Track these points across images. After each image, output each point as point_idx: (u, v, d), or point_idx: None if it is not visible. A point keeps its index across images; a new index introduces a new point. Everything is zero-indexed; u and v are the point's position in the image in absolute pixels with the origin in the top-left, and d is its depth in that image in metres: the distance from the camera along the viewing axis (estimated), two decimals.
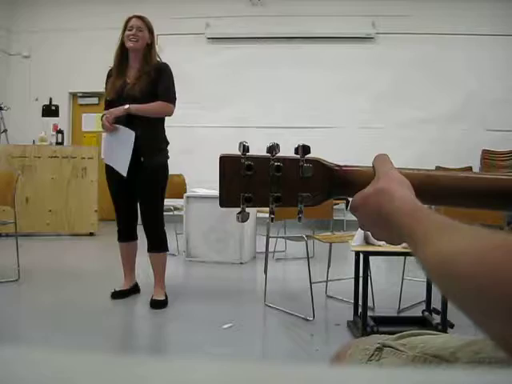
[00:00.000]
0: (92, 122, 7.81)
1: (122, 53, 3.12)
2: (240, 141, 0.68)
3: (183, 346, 2.59)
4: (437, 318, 2.68)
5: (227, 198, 0.68)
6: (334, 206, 4.04)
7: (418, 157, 6.81)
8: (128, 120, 3.04)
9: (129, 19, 3.13)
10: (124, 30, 3.10)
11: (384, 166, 0.65)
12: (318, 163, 0.68)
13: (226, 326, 2.79)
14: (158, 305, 3.14)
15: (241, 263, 4.60)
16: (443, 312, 2.59)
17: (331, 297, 3.45)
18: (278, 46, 7.43)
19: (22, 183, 4.86)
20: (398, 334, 0.77)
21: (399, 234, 0.56)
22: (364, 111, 7.27)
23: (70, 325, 2.81)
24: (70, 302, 3.21)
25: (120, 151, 3.07)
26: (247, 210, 0.69)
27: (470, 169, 6.68)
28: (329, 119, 7.35)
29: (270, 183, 0.68)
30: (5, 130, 6.76)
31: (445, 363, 0.65)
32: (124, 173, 3.05)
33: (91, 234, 6.02)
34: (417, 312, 3.00)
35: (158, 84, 3.07)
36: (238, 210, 0.69)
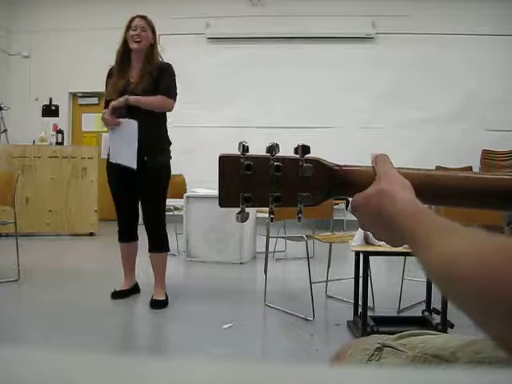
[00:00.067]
0: (92, 121, 7.81)
1: (124, 52, 3.11)
2: (240, 141, 0.68)
3: (183, 346, 2.59)
4: (437, 318, 2.68)
5: (227, 197, 0.68)
6: (334, 206, 4.04)
7: (418, 157, 6.81)
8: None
9: (132, 19, 3.12)
10: (127, 30, 3.10)
11: (384, 166, 0.66)
12: (317, 163, 0.68)
13: (225, 326, 2.79)
14: (158, 305, 3.14)
15: (241, 263, 4.60)
16: (443, 312, 2.59)
17: (331, 297, 3.44)
18: (277, 45, 7.43)
19: (22, 183, 4.86)
20: (398, 334, 0.77)
21: (401, 236, 0.56)
22: (364, 111, 7.27)
23: (70, 325, 2.80)
24: (69, 302, 3.21)
25: (125, 144, 3.04)
26: (247, 209, 0.69)
27: (470, 169, 6.68)
28: (328, 119, 7.35)
29: (269, 183, 0.67)
30: (5, 130, 6.76)
31: (445, 363, 0.65)
32: (133, 165, 3.03)
33: (91, 234, 6.02)
34: (417, 312, 3.00)
35: (160, 81, 3.07)
36: (238, 210, 0.69)
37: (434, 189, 0.67)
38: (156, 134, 3.12)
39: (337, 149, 6.60)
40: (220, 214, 4.38)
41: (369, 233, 2.45)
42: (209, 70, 7.43)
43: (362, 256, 2.67)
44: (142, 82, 3.04)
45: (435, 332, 0.79)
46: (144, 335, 2.91)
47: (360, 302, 2.71)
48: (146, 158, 3.06)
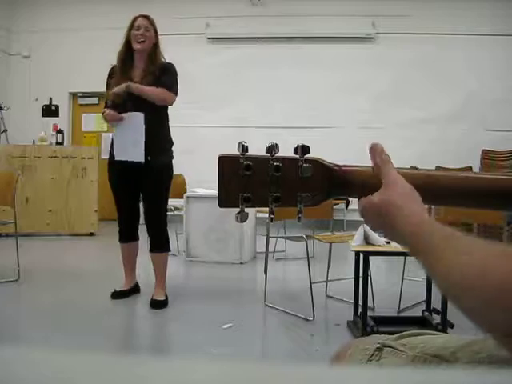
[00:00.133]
0: (92, 121, 7.81)
1: (127, 52, 3.10)
2: (239, 141, 0.68)
3: (183, 346, 2.59)
4: (437, 318, 2.68)
5: (226, 198, 0.68)
6: (334, 206, 4.04)
7: (418, 157, 6.80)
8: None
9: (135, 19, 3.11)
10: (130, 30, 3.09)
11: (388, 169, 0.65)
12: (317, 163, 0.68)
13: (226, 326, 2.79)
14: (158, 305, 3.14)
15: (241, 263, 4.60)
16: (443, 312, 2.59)
17: (331, 297, 3.44)
18: (277, 45, 7.43)
19: (22, 183, 4.86)
20: (398, 334, 0.77)
21: (405, 243, 0.57)
22: (364, 111, 7.27)
23: (70, 325, 2.80)
24: (70, 302, 3.21)
25: (131, 138, 3.02)
26: (246, 210, 0.69)
27: (470, 169, 6.68)
28: (328, 119, 7.35)
29: (269, 183, 0.67)
30: (5, 130, 6.76)
31: (445, 363, 0.65)
32: (141, 159, 3.02)
33: (91, 234, 6.02)
34: (417, 312, 3.00)
35: (162, 78, 3.06)
36: (238, 210, 0.69)
37: (434, 189, 0.67)
38: (159, 134, 3.11)
39: (337, 149, 6.59)
40: (220, 214, 4.38)
41: (369, 233, 2.43)
42: (209, 69, 7.43)
43: (362, 256, 2.67)
44: (145, 81, 3.03)
45: (435, 332, 0.79)
46: (144, 335, 2.91)
47: (360, 302, 2.71)
48: (149, 158, 3.05)
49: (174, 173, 3.29)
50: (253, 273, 4.50)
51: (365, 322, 2.58)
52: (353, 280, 2.91)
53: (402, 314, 3.11)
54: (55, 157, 5.94)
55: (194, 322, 2.93)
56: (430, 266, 0.51)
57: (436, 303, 2.73)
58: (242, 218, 0.69)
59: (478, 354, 0.62)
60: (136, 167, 3.06)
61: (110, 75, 3.18)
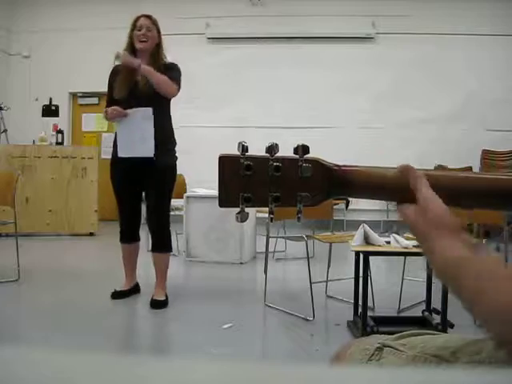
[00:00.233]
0: (92, 121, 7.81)
1: (131, 52, 3.09)
2: (239, 141, 0.68)
3: (183, 346, 2.59)
4: (437, 318, 2.68)
5: (226, 198, 0.69)
6: (334, 206, 4.04)
7: (418, 157, 6.79)
8: None
9: (137, 18, 3.10)
10: (132, 30, 3.09)
11: (418, 184, 0.65)
12: (317, 163, 0.68)
13: (226, 326, 2.79)
14: (158, 305, 3.13)
15: (241, 263, 4.60)
16: (443, 312, 2.59)
17: (331, 297, 3.44)
18: (277, 45, 7.43)
19: (22, 183, 4.86)
20: (398, 334, 0.77)
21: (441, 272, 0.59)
22: (364, 111, 7.27)
23: (70, 325, 2.80)
24: (70, 302, 3.21)
25: (139, 134, 3.01)
26: (246, 210, 0.69)
27: (470, 169, 6.68)
28: (328, 119, 7.35)
29: (269, 183, 0.68)
30: (5, 130, 6.76)
31: (445, 363, 0.65)
32: (150, 153, 3.01)
33: (91, 234, 6.02)
34: (417, 312, 3.00)
35: (166, 74, 3.05)
36: (238, 210, 0.69)
37: (434, 189, 0.67)
38: (162, 134, 3.10)
39: (337, 149, 6.60)
40: (220, 214, 4.38)
41: (369, 233, 2.42)
42: (209, 69, 7.43)
43: (362, 256, 2.67)
44: (151, 83, 3.02)
45: (435, 332, 0.79)
46: (144, 335, 2.91)
47: (360, 302, 2.71)
48: (154, 158, 3.05)
49: None
50: (253, 273, 4.50)
51: (365, 322, 2.58)
52: (353, 280, 2.91)
53: (402, 314, 3.11)
54: (55, 157, 5.94)
55: (193, 322, 2.93)
56: (471, 301, 0.53)
57: (436, 303, 2.73)
58: (243, 217, 0.69)
59: (478, 354, 0.62)
60: (140, 166, 3.06)
61: (113, 74, 3.18)
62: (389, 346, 0.74)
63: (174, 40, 7.41)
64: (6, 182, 3.77)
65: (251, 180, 0.67)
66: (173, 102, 3.19)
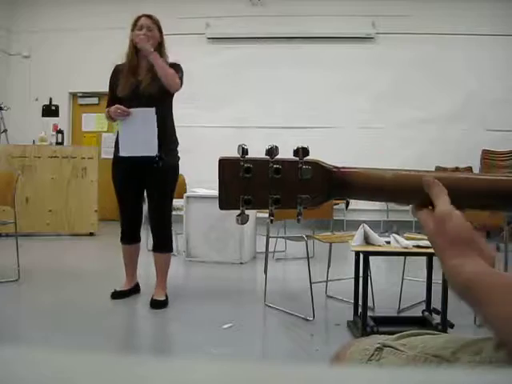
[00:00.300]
0: (92, 121, 7.81)
1: (133, 52, 3.09)
2: (239, 142, 0.68)
3: (183, 345, 2.59)
4: (437, 318, 2.68)
5: (227, 200, 0.69)
6: (334, 206, 4.04)
7: (418, 157, 6.82)
8: None
9: (138, 18, 3.10)
10: (133, 30, 3.08)
11: (436, 196, 0.65)
12: (316, 165, 0.68)
13: (226, 326, 2.79)
14: (158, 305, 3.13)
15: (241, 263, 4.60)
16: (443, 312, 2.59)
17: (331, 297, 3.44)
18: (278, 45, 7.43)
19: (22, 183, 4.86)
20: (398, 334, 0.77)
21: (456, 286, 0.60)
22: (364, 111, 7.27)
23: (70, 325, 2.80)
24: (70, 302, 3.21)
25: (143, 134, 3.01)
26: (246, 212, 0.69)
27: (470, 169, 6.68)
28: (328, 119, 7.35)
29: (269, 185, 0.68)
30: (5, 130, 6.76)
31: (445, 363, 0.65)
32: (154, 152, 3.01)
33: (91, 234, 6.02)
34: (417, 312, 3.00)
35: None
36: (238, 212, 0.69)
37: None
38: (165, 134, 3.10)
39: (337, 149, 6.61)
40: (220, 214, 4.38)
41: (369, 233, 2.42)
42: (209, 69, 7.43)
43: (362, 256, 2.67)
44: (156, 80, 3.02)
45: (435, 332, 0.79)
46: (144, 335, 2.92)
47: (360, 302, 2.71)
48: (156, 157, 3.05)
49: None
50: (253, 273, 4.50)
51: (365, 322, 2.58)
52: (353, 280, 2.91)
53: (402, 314, 3.11)
54: (55, 157, 5.94)
55: (194, 321, 2.93)
56: (484, 311, 0.55)
57: (436, 303, 2.73)
58: (243, 220, 0.70)
59: (478, 354, 0.62)
60: (142, 166, 3.05)
61: (114, 74, 3.17)
62: (389, 346, 0.74)
63: (173, 40, 7.41)
64: (6, 181, 3.77)
65: (251, 182, 0.68)
66: (173, 101, 3.20)
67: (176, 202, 4.98)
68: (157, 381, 0.25)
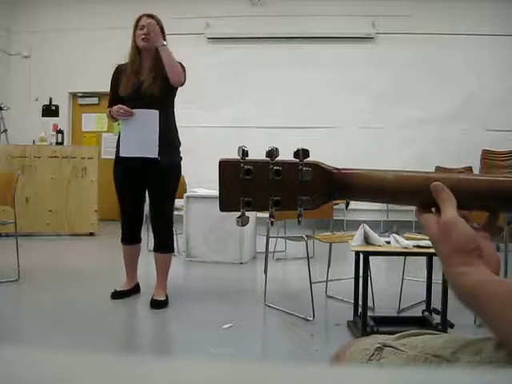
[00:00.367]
0: (92, 122, 7.81)
1: (135, 51, 3.08)
2: (239, 142, 0.68)
3: (183, 345, 2.59)
4: (437, 318, 2.68)
5: (227, 202, 0.69)
6: (334, 206, 4.04)
7: (417, 157, 6.82)
8: None
9: (139, 18, 3.10)
10: (135, 30, 3.09)
11: (443, 203, 0.64)
12: (317, 167, 0.68)
13: (226, 326, 2.79)
14: (158, 305, 3.13)
15: (241, 263, 4.60)
16: (443, 312, 2.59)
17: (331, 297, 3.44)
18: (278, 45, 7.43)
19: (22, 183, 4.86)
20: (398, 334, 0.77)
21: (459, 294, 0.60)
22: (364, 111, 7.27)
23: (70, 325, 2.80)
24: (70, 302, 3.21)
25: (144, 135, 3.01)
26: (247, 213, 0.69)
27: (470, 169, 6.68)
28: (328, 119, 7.34)
29: (269, 187, 0.68)
30: (5, 130, 6.76)
31: (445, 363, 0.65)
32: (155, 154, 3.01)
33: (91, 234, 6.02)
34: (417, 312, 3.00)
35: None
36: (238, 213, 0.69)
37: None
38: (167, 134, 3.09)
39: (337, 149, 6.61)
40: (220, 214, 4.31)
41: (369, 233, 2.42)
42: (209, 69, 7.42)
43: (362, 256, 2.67)
44: (158, 80, 3.01)
45: (435, 332, 0.79)
46: (144, 335, 2.91)
47: (360, 302, 2.71)
48: (158, 158, 3.05)
49: None
50: (253, 273, 4.50)
51: (365, 322, 2.58)
52: (353, 280, 2.91)
53: (402, 314, 3.11)
54: (55, 157, 5.94)
55: (194, 321, 2.93)
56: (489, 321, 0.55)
57: (436, 303, 2.73)
58: (243, 221, 0.70)
59: (478, 354, 0.62)
60: (144, 166, 3.05)
61: (117, 73, 3.16)
62: (389, 346, 0.74)
63: (173, 40, 7.41)
64: (6, 181, 3.77)
65: (251, 184, 0.68)
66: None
67: (176, 202, 4.99)
68: (157, 381, 0.25)
